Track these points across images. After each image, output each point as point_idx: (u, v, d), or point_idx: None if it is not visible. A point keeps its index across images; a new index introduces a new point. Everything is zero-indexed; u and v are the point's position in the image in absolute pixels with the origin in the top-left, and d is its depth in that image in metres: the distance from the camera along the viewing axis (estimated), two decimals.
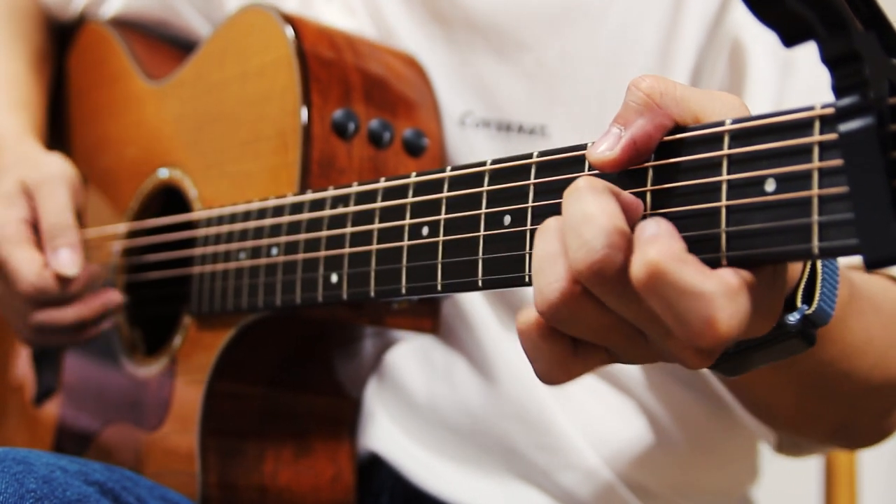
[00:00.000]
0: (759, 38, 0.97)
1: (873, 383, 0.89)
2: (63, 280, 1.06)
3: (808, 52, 0.54)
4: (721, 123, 0.60)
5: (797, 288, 0.68)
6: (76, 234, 1.08)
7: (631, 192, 0.63)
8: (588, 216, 0.57)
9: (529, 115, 1.02)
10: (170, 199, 1.14)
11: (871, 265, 0.52)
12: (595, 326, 0.61)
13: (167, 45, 1.29)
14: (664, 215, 0.61)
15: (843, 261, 0.82)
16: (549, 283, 0.59)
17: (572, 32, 1.02)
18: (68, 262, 1.06)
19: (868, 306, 0.85)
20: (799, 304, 0.67)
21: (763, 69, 0.97)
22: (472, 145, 1.03)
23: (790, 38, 0.53)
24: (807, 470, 1.46)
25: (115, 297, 1.10)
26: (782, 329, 0.66)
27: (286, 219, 0.90)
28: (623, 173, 0.64)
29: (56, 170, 1.10)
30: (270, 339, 0.99)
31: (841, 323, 0.80)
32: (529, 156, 0.70)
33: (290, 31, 0.99)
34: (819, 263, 0.68)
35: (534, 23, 1.02)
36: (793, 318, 0.66)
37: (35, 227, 1.09)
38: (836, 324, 0.77)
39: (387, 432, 1.07)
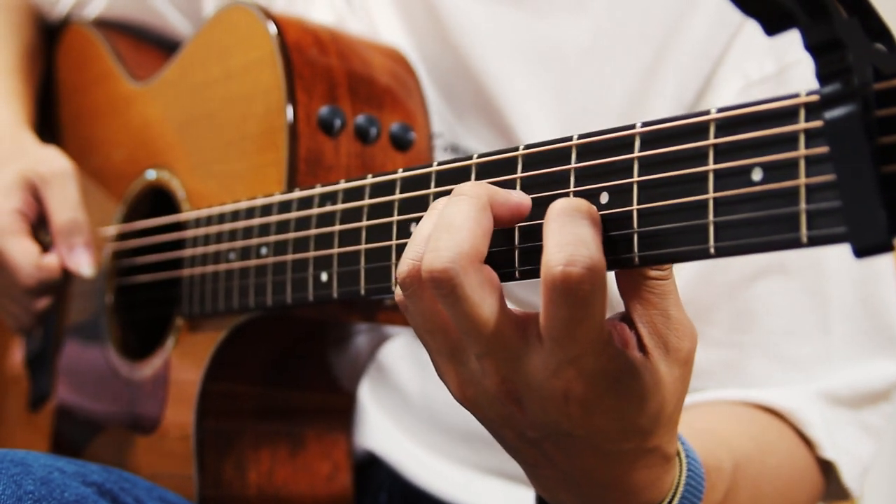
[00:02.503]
0: None
1: None
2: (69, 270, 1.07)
3: None
4: (706, 113, 0.60)
5: None
6: (89, 231, 1.09)
7: (618, 184, 0.63)
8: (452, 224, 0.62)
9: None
10: (158, 200, 1.13)
11: (860, 253, 0.52)
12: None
13: (151, 44, 1.28)
14: (652, 209, 0.61)
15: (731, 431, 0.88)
16: (404, 258, 0.65)
17: (548, 78, 1.01)
18: (86, 262, 1.07)
19: (743, 500, 0.85)
20: None
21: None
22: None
23: (772, 27, 0.52)
24: None
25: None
26: None
27: (274, 218, 0.89)
28: (608, 165, 0.64)
29: (61, 165, 1.10)
30: (263, 338, 0.99)
31: None
32: (516, 149, 0.69)
33: (272, 29, 0.98)
34: (681, 486, 0.69)
35: (518, 66, 1.02)
36: None
37: (30, 218, 1.09)
38: None
39: (384, 432, 1.07)
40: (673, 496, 0.69)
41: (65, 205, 1.08)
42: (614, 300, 0.66)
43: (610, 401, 0.63)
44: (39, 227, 1.11)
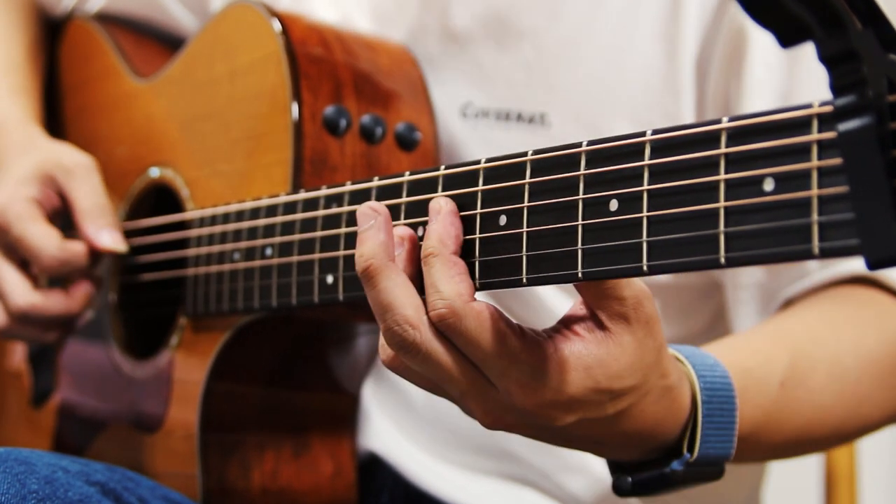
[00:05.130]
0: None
1: (850, 431, 0.93)
2: (88, 255, 1.05)
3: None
4: (718, 121, 0.59)
5: (683, 435, 0.74)
6: (114, 215, 1.08)
7: (628, 191, 0.62)
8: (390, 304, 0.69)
9: (529, 103, 1.00)
10: (161, 198, 1.13)
11: (873, 266, 0.52)
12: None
13: (154, 40, 1.27)
14: (661, 217, 0.61)
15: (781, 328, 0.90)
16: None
17: (571, 19, 1.00)
18: (115, 239, 1.06)
19: (819, 382, 0.86)
20: (685, 451, 0.74)
21: (768, 58, 0.95)
22: (471, 136, 1.02)
23: (787, 39, 0.52)
24: (807, 470, 1.45)
25: (89, 287, 1.08)
26: (672, 474, 0.74)
27: (280, 219, 0.89)
28: (617, 172, 0.63)
29: (82, 158, 1.10)
30: (267, 338, 0.99)
31: (770, 425, 0.83)
32: (524, 154, 0.69)
33: (278, 28, 0.98)
34: (700, 409, 0.74)
35: (531, 10, 1.01)
36: (677, 464, 0.74)
37: (46, 209, 1.08)
38: (762, 429, 0.82)
39: (386, 432, 1.07)
40: (694, 406, 0.74)
41: (91, 191, 1.07)
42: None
43: (587, 383, 0.68)
44: (54, 220, 1.09)
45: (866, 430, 0.95)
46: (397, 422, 1.07)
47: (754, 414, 0.80)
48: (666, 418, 0.74)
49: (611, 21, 0.99)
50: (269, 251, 0.90)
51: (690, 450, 0.74)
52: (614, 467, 0.78)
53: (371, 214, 0.71)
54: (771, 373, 0.83)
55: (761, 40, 0.96)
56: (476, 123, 1.02)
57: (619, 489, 0.77)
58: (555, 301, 1.02)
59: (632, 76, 0.99)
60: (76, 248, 1.05)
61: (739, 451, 0.76)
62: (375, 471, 1.08)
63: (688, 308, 1.05)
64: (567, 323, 0.70)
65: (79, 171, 1.08)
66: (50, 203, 1.08)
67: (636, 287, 0.69)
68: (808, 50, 0.93)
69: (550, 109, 1.00)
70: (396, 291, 0.69)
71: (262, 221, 0.91)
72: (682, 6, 0.97)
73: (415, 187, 0.76)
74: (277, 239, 0.89)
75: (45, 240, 1.04)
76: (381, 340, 0.73)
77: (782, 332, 0.89)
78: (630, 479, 0.76)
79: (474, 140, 1.02)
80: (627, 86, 0.99)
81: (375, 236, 0.70)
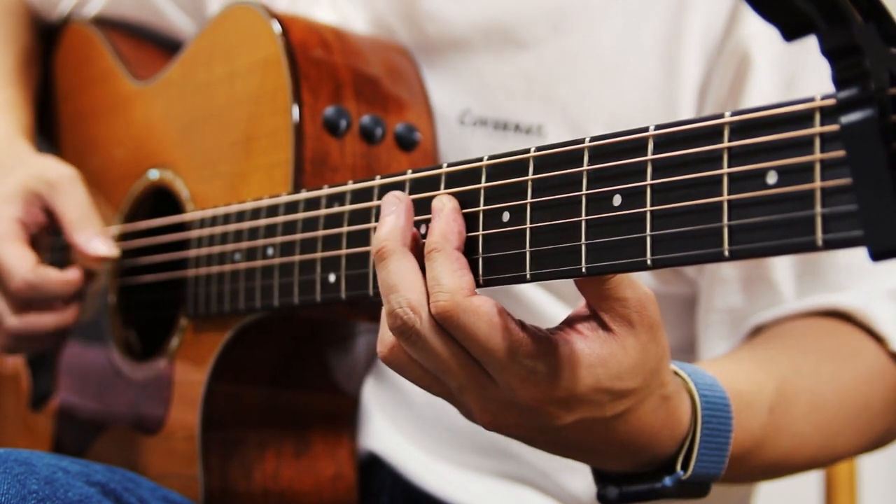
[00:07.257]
0: (765, 51, 0.96)
1: (821, 462, 0.96)
2: (66, 282, 1.06)
3: (814, 63, 0.54)
4: (720, 116, 0.60)
5: (678, 453, 0.75)
6: (100, 223, 1.09)
7: (631, 186, 0.63)
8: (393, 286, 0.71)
9: (527, 114, 1.01)
10: (161, 200, 1.13)
11: (877, 256, 0.52)
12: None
13: (152, 44, 1.28)
14: (665, 212, 0.61)
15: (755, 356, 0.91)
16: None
17: (572, 32, 1.01)
18: (104, 245, 1.07)
19: (801, 412, 0.87)
20: (678, 468, 0.75)
21: (764, 85, 0.96)
22: (469, 144, 1.03)
23: (790, 32, 0.53)
24: (807, 473, 1.45)
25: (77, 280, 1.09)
26: (662, 489, 0.75)
27: (281, 219, 0.89)
28: (620, 168, 0.64)
29: (67, 170, 1.11)
30: (268, 338, 0.99)
31: (756, 450, 0.84)
32: (527, 151, 0.69)
33: (278, 29, 0.98)
34: (699, 427, 0.74)
35: (534, 22, 1.01)
36: (668, 480, 0.75)
37: (30, 229, 1.09)
38: (749, 453, 0.83)
39: (385, 432, 1.07)
40: (694, 423, 0.75)
41: (77, 203, 1.08)
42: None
43: (588, 381, 0.69)
44: (39, 239, 1.11)
45: (834, 461, 0.97)
46: (397, 422, 1.07)
47: (744, 438, 0.80)
48: (662, 431, 0.74)
49: (612, 38, 1.00)
50: (270, 251, 0.90)
51: (685, 467, 0.74)
52: (599, 476, 0.78)
53: (394, 201, 0.73)
54: (761, 399, 0.83)
55: (762, 67, 0.96)
56: (474, 131, 1.03)
57: (604, 499, 0.77)
58: (548, 306, 1.03)
59: (630, 93, 0.99)
60: (49, 275, 1.06)
61: (725, 473, 0.77)
62: (375, 471, 1.08)
63: (680, 318, 1.05)
64: (571, 322, 0.70)
65: (62, 184, 1.09)
66: (35, 221, 1.10)
67: (639, 290, 0.69)
68: (802, 81, 0.95)
69: (548, 121, 1.00)
70: (404, 274, 0.70)
71: (263, 221, 0.92)
72: (684, 28, 0.98)
73: (417, 185, 0.76)
74: (279, 239, 0.89)
75: (18, 261, 1.06)
76: (381, 333, 0.73)
77: (767, 360, 0.89)
78: (618, 490, 0.76)
79: (471, 148, 1.02)
80: (625, 103, 0.99)
81: (395, 221, 0.72)
